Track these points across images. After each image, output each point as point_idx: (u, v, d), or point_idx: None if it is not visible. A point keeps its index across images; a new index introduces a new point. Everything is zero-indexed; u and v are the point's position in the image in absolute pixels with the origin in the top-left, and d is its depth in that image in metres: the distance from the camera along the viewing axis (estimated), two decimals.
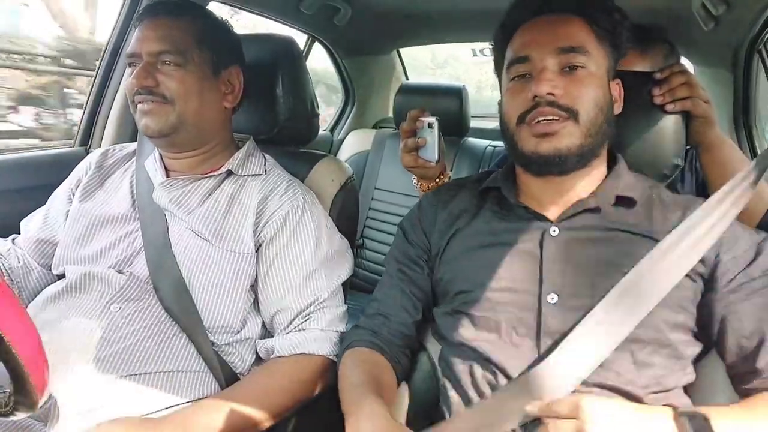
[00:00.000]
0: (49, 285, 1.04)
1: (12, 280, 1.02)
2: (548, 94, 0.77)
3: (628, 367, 0.73)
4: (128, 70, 1.01)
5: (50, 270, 1.05)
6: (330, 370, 0.95)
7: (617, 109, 0.86)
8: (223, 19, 1.08)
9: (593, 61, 0.81)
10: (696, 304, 0.76)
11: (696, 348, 0.78)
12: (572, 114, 0.78)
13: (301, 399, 0.92)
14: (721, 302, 0.75)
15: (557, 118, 0.78)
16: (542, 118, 0.78)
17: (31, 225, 1.10)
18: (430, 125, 0.98)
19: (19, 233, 1.12)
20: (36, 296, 1.00)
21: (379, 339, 0.89)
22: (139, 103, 0.97)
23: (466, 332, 0.82)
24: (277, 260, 0.97)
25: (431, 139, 0.98)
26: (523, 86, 0.81)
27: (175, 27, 0.98)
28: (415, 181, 1.10)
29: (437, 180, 1.08)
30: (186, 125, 0.98)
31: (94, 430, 0.75)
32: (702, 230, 0.73)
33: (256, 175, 1.05)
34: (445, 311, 0.87)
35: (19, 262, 1.05)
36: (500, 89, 0.90)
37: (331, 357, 0.94)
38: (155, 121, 0.96)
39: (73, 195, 1.07)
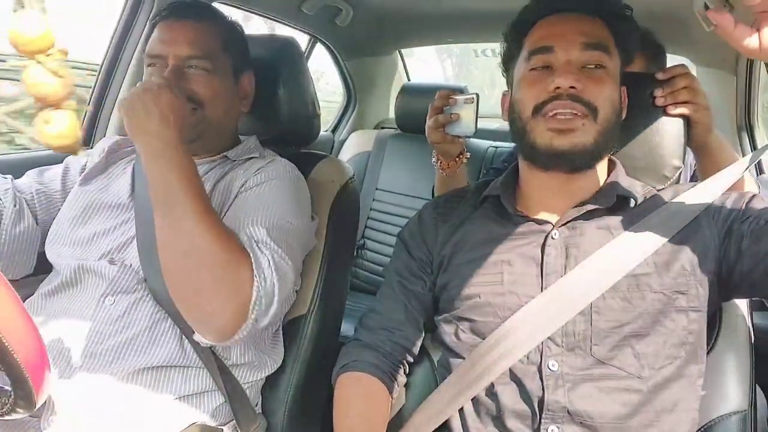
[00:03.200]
0: (31, 241, 1.02)
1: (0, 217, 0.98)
2: (571, 87, 0.77)
3: (631, 361, 0.74)
4: (147, 71, 0.99)
5: (44, 231, 1.02)
6: (247, 283, 0.80)
7: (623, 113, 0.86)
8: (238, 23, 1.08)
9: (612, 62, 0.81)
10: (709, 274, 0.77)
11: (701, 331, 0.78)
12: (591, 110, 0.78)
13: (226, 267, 0.79)
14: (746, 238, 0.74)
15: (577, 113, 0.77)
16: (561, 111, 0.77)
17: (45, 180, 1.07)
18: (466, 101, 1.00)
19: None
20: (14, 244, 0.99)
21: (379, 358, 0.88)
22: None
23: (468, 338, 0.83)
24: (236, 203, 0.93)
25: (467, 114, 1.00)
26: (542, 77, 0.80)
27: (202, 30, 0.97)
28: (434, 158, 1.12)
29: (456, 158, 1.09)
30: (210, 131, 0.99)
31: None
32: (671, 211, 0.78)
33: (251, 158, 1.04)
34: (447, 318, 0.87)
35: (15, 205, 1.00)
36: (508, 82, 0.90)
37: (251, 259, 0.81)
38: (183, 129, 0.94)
39: (81, 175, 1.07)
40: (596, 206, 0.81)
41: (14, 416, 0.65)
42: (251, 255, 0.82)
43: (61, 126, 0.72)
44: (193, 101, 0.95)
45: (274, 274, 0.83)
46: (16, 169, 1.32)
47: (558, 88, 0.77)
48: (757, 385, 0.85)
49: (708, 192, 0.79)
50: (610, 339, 0.75)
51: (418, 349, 0.93)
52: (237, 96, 1.04)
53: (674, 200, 0.80)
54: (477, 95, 0.99)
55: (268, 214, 0.90)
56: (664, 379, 0.75)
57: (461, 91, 1.97)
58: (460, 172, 1.11)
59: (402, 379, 0.90)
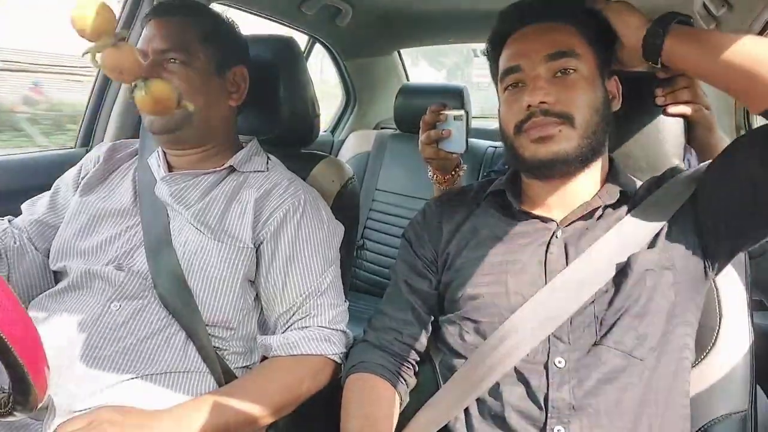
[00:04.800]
0: (42, 270, 1.02)
1: (7, 259, 1.00)
2: (541, 102, 0.78)
3: (634, 344, 0.75)
4: None
5: (48, 255, 1.03)
6: (330, 369, 0.95)
7: (615, 105, 0.86)
8: (230, 19, 1.08)
9: (584, 63, 0.81)
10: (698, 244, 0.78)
11: (692, 303, 0.79)
12: (567, 118, 0.79)
13: (299, 397, 0.91)
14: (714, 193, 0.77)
15: (552, 124, 0.79)
16: (538, 127, 0.79)
17: (36, 208, 1.08)
18: (456, 117, 0.99)
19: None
20: (27, 280, 1.00)
21: (387, 358, 0.88)
22: None
23: (472, 339, 0.83)
24: (278, 257, 0.97)
25: (457, 131, 0.99)
26: (516, 96, 0.82)
27: (181, 26, 0.99)
28: (430, 173, 1.10)
29: (453, 172, 1.08)
30: (191, 122, 0.99)
31: (93, 414, 0.77)
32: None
33: (258, 171, 1.05)
34: (451, 319, 0.87)
35: (15, 242, 1.02)
36: (498, 98, 0.91)
37: (330, 356, 0.94)
38: (160, 117, 0.96)
39: (78, 186, 1.07)
40: (599, 205, 0.82)
41: (13, 418, 0.64)
42: (325, 352, 0.93)
43: (158, 90, 0.90)
44: None
45: (332, 335, 0.95)
46: (17, 169, 1.32)
47: (530, 105, 0.79)
48: (757, 385, 0.85)
49: (698, 174, 0.80)
50: (613, 325, 0.75)
51: (426, 348, 0.92)
52: (223, 89, 1.04)
53: (665, 186, 0.81)
54: (466, 112, 0.98)
55: (310, 264, 0.98)
56: (664, 357, 0.75)
57: (461, 92, 1.99)
58: (458, 185, 1.09)
59: (411, 379, 0.90)
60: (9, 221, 1.07)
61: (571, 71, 0.80)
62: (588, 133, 0.79)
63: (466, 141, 0.98)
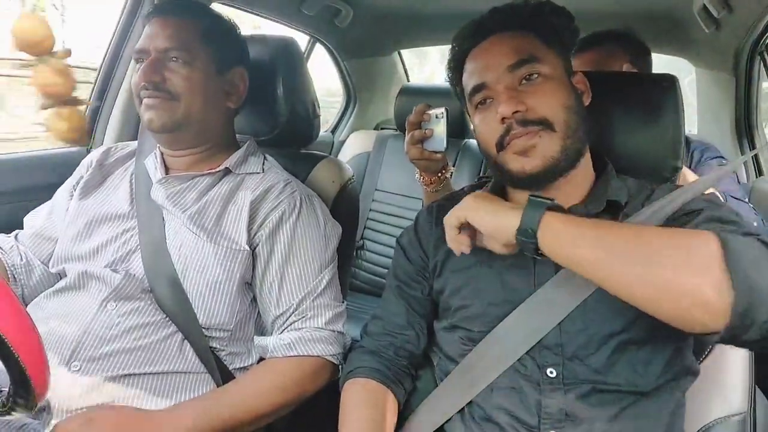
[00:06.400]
0: (50, 282, 1.04)
1: (15, 278, 1.03)
2: (515, 112, 0.77)
3: (627, 374, 0.73)
4: (135, 67, 1.01)
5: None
6: (327, 370, 0.95)
7: (586, 100, 0.85)
8: (230, 20, 1.09)
9: (547, 65, 0.80)
10: None
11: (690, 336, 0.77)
12: (545, 124, 0.77)
13: (296, 399, 0.92)
14: None
15: (531, 132, 0.77)
16: (519, 139, 0.78)
17: (35, 221, 1.10)
18: (437, 116, 0.99)
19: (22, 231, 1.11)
20: (38, 294, 1.01)
21: (384, 363, 0.88)
22: (145, 98, 0.97)
23: (465, 344, 0.83)
24: (274, 259, 0.97)
25: (438, 129, 0.99)
26: (489, 112, 0.81)
27: (183, 25, 0.99)
28: (417, 174, 1.11)
29: (439, 174, 1.08)
30: (190, 122, 0.99)
31: (90, 413, 0.77)
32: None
33: (254, 173, 1.05)
34: (445, 326, 0.87)
35: (22, 259, 1.04)
36: (468, 116, 0.90)
37: (327, 357, 0.94)
38: (159, 115, 0.96)
39: (74, 192, 1.08)
40: (585, 212, 0.79)
41: (13, 416, 0.64)
42: (321, 353, 0.93)
43: (72, 121, 0.82)
44: (169, 93, 0.97)
45: (329, 336, 0.95)
46: (17, 169, 1.32)
47: (505, 118, 0.78)
48: (756, 387, 0.85)
49: (684, 195, 0.75)
50: (606, 347, 0.74)
51: (423, 352, 0.92)
52: (222, 90, 1.04)
53: (653, 201, 0.77)
54: (446, 110, 0.98)
55: (307, 265, 0.98)
56: (660, 388, 0.74)
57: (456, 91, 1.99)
58: (446, 187, 1.10)
59: (409, 383, 0.90)
60: (15, 237, 1.09)
61: (536, 76, 0.79)
62: (569, 134, 0.78)
63: (446, 139, 0.99)
